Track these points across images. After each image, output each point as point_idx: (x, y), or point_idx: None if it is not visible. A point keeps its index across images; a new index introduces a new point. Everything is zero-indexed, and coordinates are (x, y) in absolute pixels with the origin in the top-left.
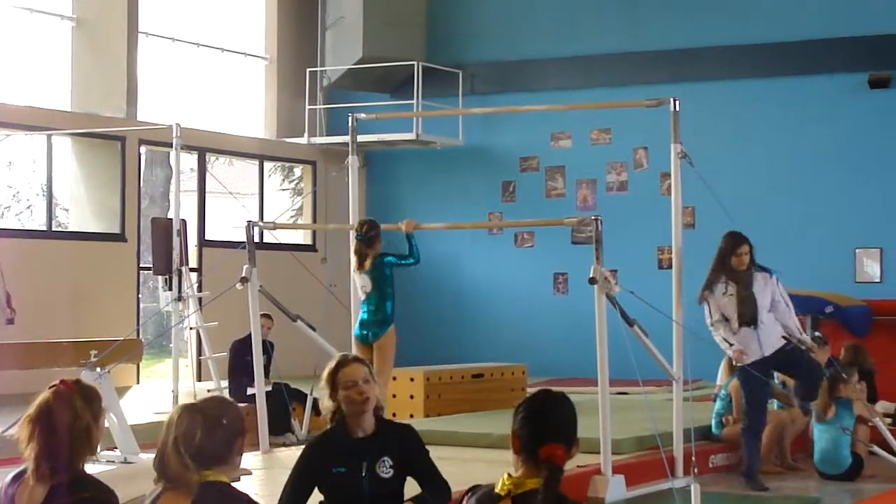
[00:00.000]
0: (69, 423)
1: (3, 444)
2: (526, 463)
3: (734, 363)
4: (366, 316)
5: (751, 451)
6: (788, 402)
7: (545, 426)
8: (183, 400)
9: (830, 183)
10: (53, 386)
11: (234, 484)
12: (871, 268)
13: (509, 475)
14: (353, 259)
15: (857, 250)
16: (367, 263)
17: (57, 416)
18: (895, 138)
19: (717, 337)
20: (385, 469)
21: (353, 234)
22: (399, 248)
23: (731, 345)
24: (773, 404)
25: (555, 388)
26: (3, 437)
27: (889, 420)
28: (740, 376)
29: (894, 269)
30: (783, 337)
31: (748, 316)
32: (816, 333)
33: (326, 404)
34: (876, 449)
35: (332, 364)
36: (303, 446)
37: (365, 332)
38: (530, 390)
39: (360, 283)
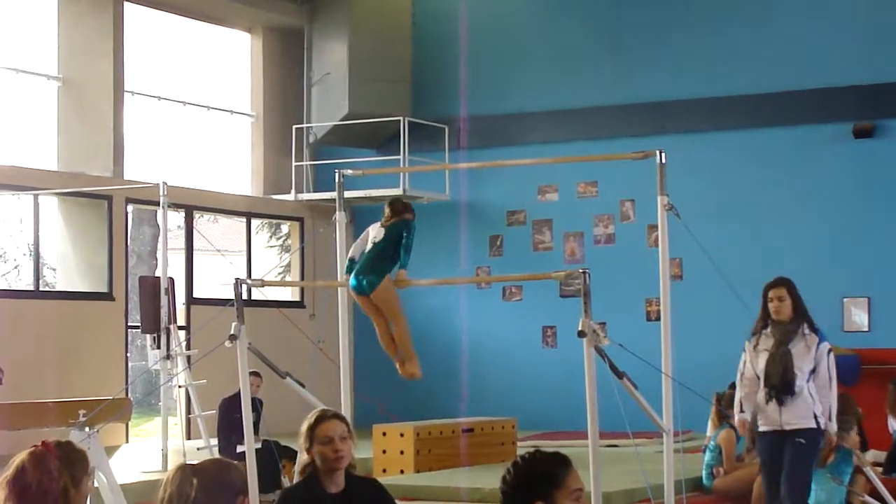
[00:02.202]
0: (44, 485)
1: None
2: None
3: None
4: (363, 262)
5: None
6: None
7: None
8: (172, 458)
9: (817, 232)
10: (34, 447)
11: None
12: (859, 317)
13: None
14: (386, 210)
15: (844, 300)
16: (392, 220)
17: (30, 478)
18: (880, 187)
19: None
20: None
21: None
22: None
23: (741, 410)
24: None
25: (539, 445)
26: None
27: (880, 469)
28: (757, 447)
29: (882, 318)
30: (815, 417)
31: (775, 377)
32: None
33: (302, 458)
34: (867, 498)
35: (311, 418)
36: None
37: (360, 278)
38: (520, 444)
39: (372, 234)
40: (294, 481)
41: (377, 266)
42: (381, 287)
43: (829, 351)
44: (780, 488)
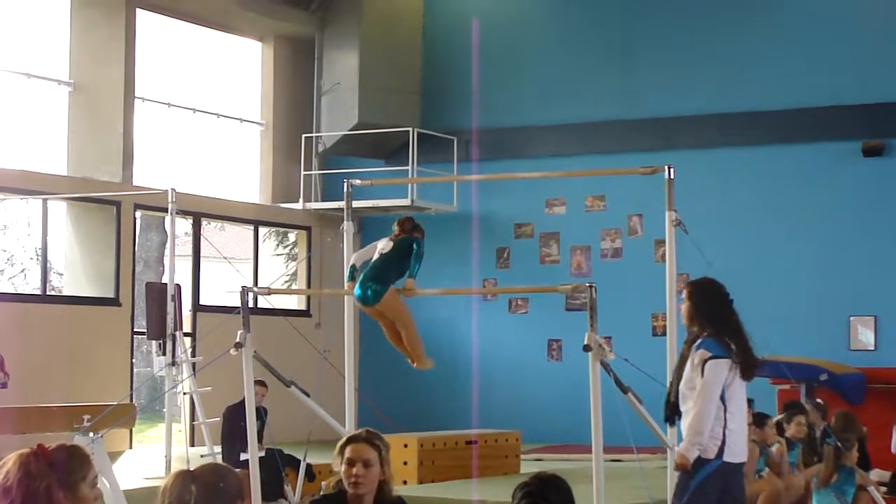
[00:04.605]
0: (24, 486)
1: None
2: None
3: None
4: (368, 271)
5: None
6: (780, 470)
7: None
8: (175, 465)
9: (825, 250)
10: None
11: None
12: (865, 336)
13: None
14: (395, 227)
15: (851, 318)
16: (401, 235)
17: (12, 479)
18: (889, 206)
19: None
20: None
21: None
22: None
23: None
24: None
25: (550, 470)
26: None
27: (884, 489)
28: None
29: (889, 337)
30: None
31: (667, 400)
32: (818, 401)
33: (335, 472)
34: None
35: (345, 436)
36: None
37: (365, 288)
38: (524, 457)
39: (380, 246)
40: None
41: (382, 275)
42: (387, 297)
43: (707, 361)
44: None
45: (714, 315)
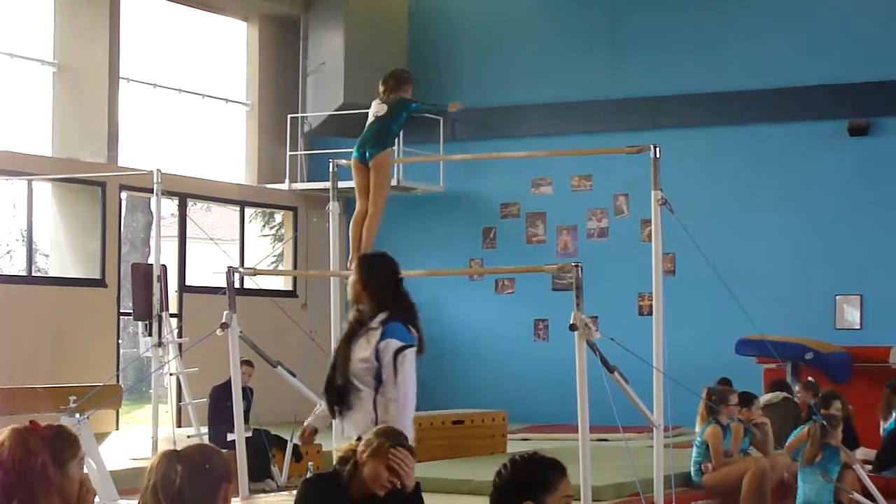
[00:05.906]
0: (22, 461)
1: None
2: None
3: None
4: (366, 135)
5: None
6: (765, 449)
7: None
8: (162, 446)
9: (811, 229)
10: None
11: None
12: (851, 314)
13: None
14: (380, 88)
15: (837, 297)
16: (392, 95)
17: (8, 454)
18: (875, 185)
19: None
20: None
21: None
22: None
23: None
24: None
25: (538, 449)
26: None
27: (869, 467)
28: None
29: (874, 316)
30: None
31: (328, 382)
32: (810, 379)
33: (351, 443)
34: (856, 496)
35: (394, 434)
36: (284, 493)
37: (362, 150)
38: (510, 437)
39: (374, 110)
40: (313, 470)
41: (379, 140)
42: (380, 156)
43: (399, 351)
44: None
45: (387, 295)
